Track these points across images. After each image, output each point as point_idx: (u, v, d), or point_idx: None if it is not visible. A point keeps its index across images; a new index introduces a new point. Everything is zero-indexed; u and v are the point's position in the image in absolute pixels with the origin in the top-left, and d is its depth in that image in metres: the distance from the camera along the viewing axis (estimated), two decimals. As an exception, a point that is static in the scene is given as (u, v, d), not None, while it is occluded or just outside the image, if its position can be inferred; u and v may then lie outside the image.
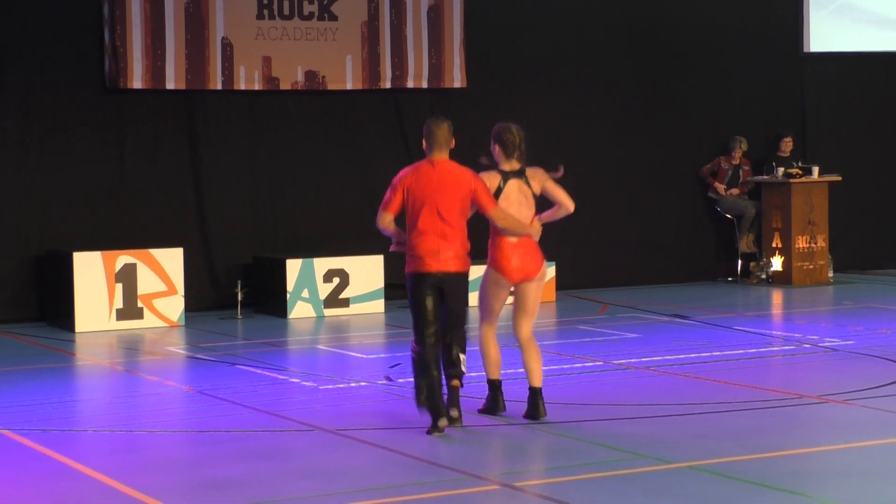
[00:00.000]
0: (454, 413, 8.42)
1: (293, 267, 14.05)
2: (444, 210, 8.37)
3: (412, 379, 8.45)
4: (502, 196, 8.61)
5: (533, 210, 8.70)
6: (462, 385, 8.54)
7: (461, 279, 8.47)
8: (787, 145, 16.92)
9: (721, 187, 16.65)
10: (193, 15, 14.29)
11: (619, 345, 11.88)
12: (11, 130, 13.89)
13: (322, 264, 14.16)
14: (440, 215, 8.37)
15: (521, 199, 8.65)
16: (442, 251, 8.39)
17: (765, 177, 16.67)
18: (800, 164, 16.66)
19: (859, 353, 11.22)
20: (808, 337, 12.17)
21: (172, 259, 13.61)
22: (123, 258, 13.41)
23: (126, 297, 13.37)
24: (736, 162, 16.71)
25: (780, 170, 16.46)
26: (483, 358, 8.79)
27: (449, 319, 8.46)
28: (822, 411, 8.97)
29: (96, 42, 14.14)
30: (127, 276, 13.38)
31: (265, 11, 14.66)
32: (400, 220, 8.64)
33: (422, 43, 15.25)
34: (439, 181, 8.41)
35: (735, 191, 16.68)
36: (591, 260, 16.43)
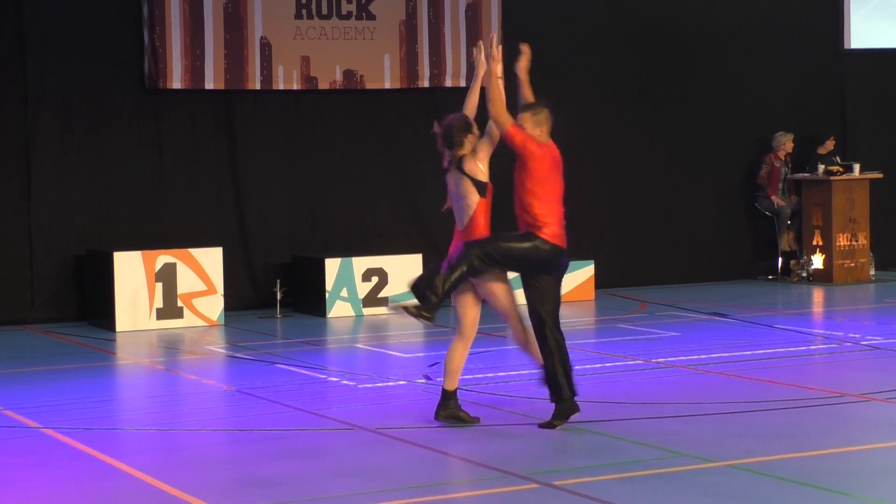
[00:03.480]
0: None
1: (332, 266, 14.08)
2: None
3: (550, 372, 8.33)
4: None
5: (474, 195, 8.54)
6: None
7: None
8: (830, 143, 16.78)
9: (778, 201, 16.47)
10: (232, 15, 14.35)
11: (658, 343, 11.83)
12: (52, 131, 13.99)
13: (361, 263, 14.18)
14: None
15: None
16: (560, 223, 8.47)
17: (805, 174, 16.57)
18: (839, 160, 16.55)
19: (901, 351, 11.15)
20: (850, 335, 12.08)
21: (212, 258, 13.66)
22: (163, 258, 13.48)
23: (166, 296, 13.43)
24: (783, 158, 16.58)
25: (822, 167, 16.35)
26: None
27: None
28: (864, 410, 8.90)
29: (135, 43, 14.22)
30: (167, 276, 13.44)
31: (303, 11, 14.70)
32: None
33: (460, 41, 15.25)
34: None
35: (782, 202, 16.51)
36: (629, 258, 16.37)
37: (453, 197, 8.60)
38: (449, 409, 8.54)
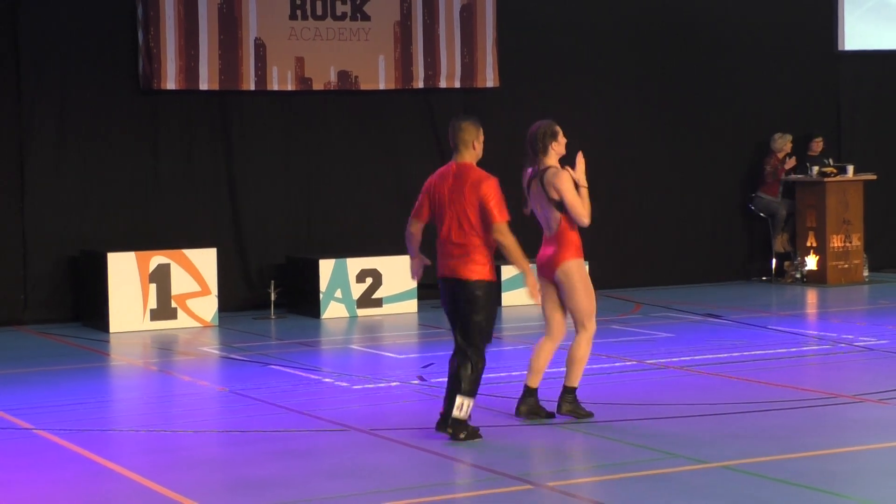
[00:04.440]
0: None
1: (326, 267, 14.08)
2: (462, 216, 8.18)
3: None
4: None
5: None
6: (451, 433, 8.11)
7: (470, 288, 8.18)
8: (817, 145, 16.82)
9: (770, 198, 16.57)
10: (227, 16, 14.34)
11: (652, 344, 11.84)
12: (46, 131, 13.98)
13: (355, 264, 14.17)
14: (458, 221, 8.20)
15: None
16: (452, 258, 8.22)
17: (799, 175, 16.59)
18: (832, 162, 16.56)
19: (895, 352, 11.14)
20: (844, 336, 12.09)
21: (206, 259, 13.65)
22: (157, 258, 13.47)
23: (160, 297, 13.42)
24: (783, 159, 16.59)
25: (815, 168, 16.37)
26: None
27: (460, 330, 8.23)
28: (858, 411, 8.91)
29: (130, 43, 14.21)
30: (161, 277, 13.43)
31: (298, 12, 14.69)
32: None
33: (454, 42, 15.25)
34: (454, 187, 8.24)
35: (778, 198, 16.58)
36: (624, 259, 16.38)
37: (537, 205, 8.62)
38: (528, 406, 8.61)
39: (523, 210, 8.82)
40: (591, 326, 8.68)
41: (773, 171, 16.58)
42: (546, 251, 8.61)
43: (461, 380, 8.11)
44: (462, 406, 8.10)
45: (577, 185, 8.52)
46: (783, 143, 16.60)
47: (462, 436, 8.08)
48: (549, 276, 8.62)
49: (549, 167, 8.58)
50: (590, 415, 8.66)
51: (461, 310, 8.19)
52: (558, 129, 8.67)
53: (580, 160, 8.57)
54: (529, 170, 8.69)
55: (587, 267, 8.85)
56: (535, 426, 8.49)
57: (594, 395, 9.29)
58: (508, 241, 8.11)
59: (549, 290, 8.67)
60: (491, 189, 8.11)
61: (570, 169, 8.59)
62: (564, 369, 8.67)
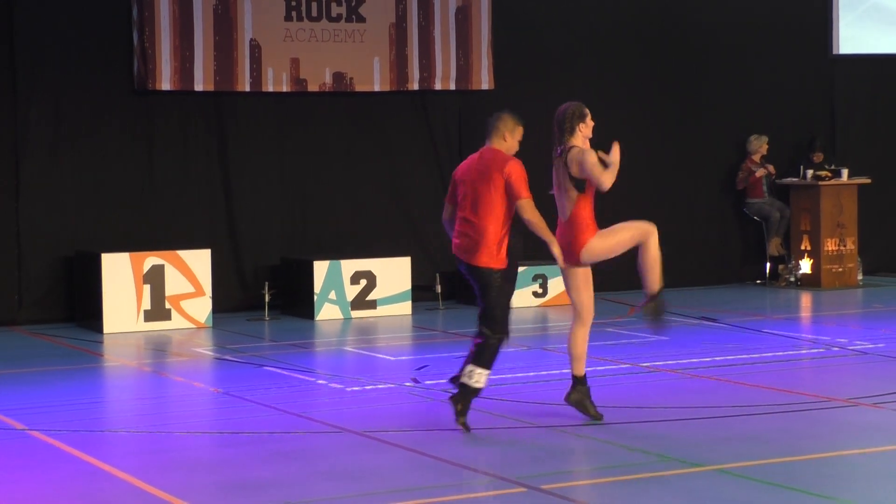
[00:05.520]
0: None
1: (321, 269, 14.07)
2: (482, 196, 8.32)
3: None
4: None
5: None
6: (459, 406, 8.32)
7: (479, 273, 8.38)
8: (817, 158, 16.82)
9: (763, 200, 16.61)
10: (222, 17, 14.34)
11: (647, 347, 11.84)
12: (41, 132, 13.96)
13: (349, 266, 14.17)
14: (476, 201, 8.33)
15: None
16: (465, 242, 8.37)
17: (793, 179, 16.60)
18: (831, 166, 16.58)
19: (889, 356, 11.16)
20: (837, 340, 12.10)
21: (200, 260, 13.64)
22: (151, 259, 13.45)
23: (154, 298, 13.41)
24: (759, 161, 16.59)
25: (810, 172, 16.39)
26: None
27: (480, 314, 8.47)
28: (852, 415, 8.92)
29: (125, 44, 14.20)
30: (155, 278, 13.42)
31: (293, 13, 14.69)
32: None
33: (449, 44, 15.25)
34: (478, 169, 8.39)
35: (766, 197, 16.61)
36: (617, 262, 16.30)
37: (557, 187, 8.59)
38: (579, 394, 8.64)
39: (550, 191, 8.78)
40: (651, 229, 8.64)
41: (745, 175, 16.59)
42: (563, 238, 8.55)
43: (478, 354, 8.31)
44: (472, 373, 8.27)
45: (604, 164, 8.46)
46: (759, 145, 16.61)
47: (461, 420, 8.27)
48: (571, 261, 8.59)
49: (574, 146, 8.56)
50: (666, 324, 8.83)
51: (475, 291, 8.44)
52: (587, 111, 8.67)
53: (616, 148, 8.51)
54: (558, 149, 8.65)
55: None
56: (529, 427, 8.49)
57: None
58: (533, 215, 8.30)
59: (572, 276, 8.64)
60: (515, 167, 8.34)
61: (602, 152, 8.54)
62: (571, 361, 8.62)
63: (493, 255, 8.37)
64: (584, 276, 8.67)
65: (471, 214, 8.38)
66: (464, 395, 8.34)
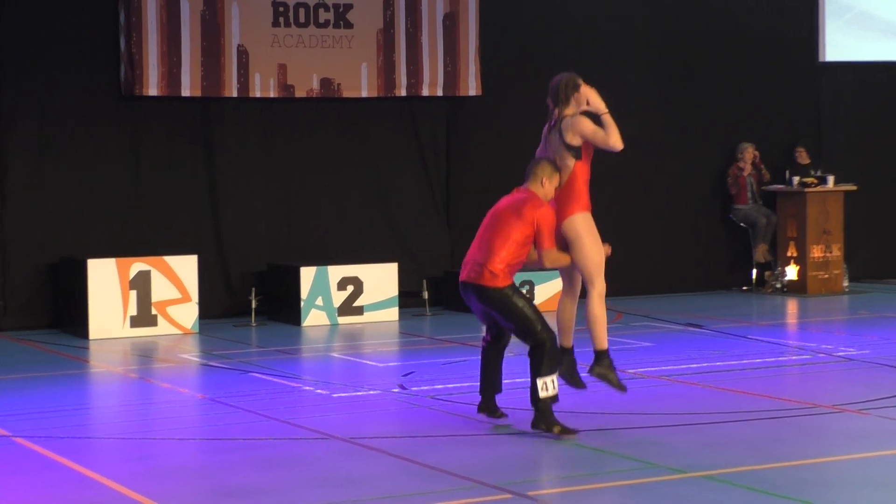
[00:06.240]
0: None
1: (307, 275, 14.06)
2: (503, 232, 8.34)
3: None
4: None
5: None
6: (543, 427, 8.33)
7: (489, 293, 8.40)
8: (800, 155, 16.89)
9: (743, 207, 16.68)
10: (209, 22, 14.33)
11: (633, 354, 11.86)
12: (27, 137, 13.94)
13: (336, 272, 14.16)
14: (494, 229, 8.37)
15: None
16: (473, 261, 8.42)
17: (780, 186, 16.65)
18: (818, 172, 16.63)
19: (874, 362, 11.19)
20: (823, 346, 12.13)
21: (187, 266, 13.63)
22: (138, 265, 13.43)
23: (140, 304, 13.39)
24: (744, 168, 16.64)
25: (796, 179, 16.43)
26: None
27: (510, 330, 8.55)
28: (837, 421, 8.94)
29: (112, 49, 14.19)
30: (141, 284, 13.40)
31: (281, 19, 14.69)
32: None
33: (437, 51, 15.26)
34: (505, 206, 8.42)
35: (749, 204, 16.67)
36: (606, 269, 16.36)
37: (552, 154, 8.61)
38: (566, 364, 8.74)
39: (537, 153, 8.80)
40: (601, 283, 8.61)
41: (733, 180, 16.65)
42: (555, 205, 8.54)
43: (536, 366, 8.29)
44: (546, 385, 8.26)
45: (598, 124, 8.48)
46: (744, 151, 16.67)
47: (556, 430, 8.25)
48: (556, 226, 8.58)
49: (566, 116, 8.56)
50: (623, 388, 8.72)
51: (495, 315, 8.47)
52: (581, 80, 8.68)
53: (587, 90, 8.57)
54: (552, 120, 8.66)
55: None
56: (515, 434, 8.49)
57: (574, 403, 9.29)
58: (555, 263, 8.48)
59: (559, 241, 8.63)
60: (549, 216, 8.35)
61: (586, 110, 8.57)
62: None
63: (500, 278, 8.36)
64: (566, 243, 8.62)
65: (491, 239, 8.37)
66: (543, 415, 8.29)
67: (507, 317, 8.39)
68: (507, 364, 8.89)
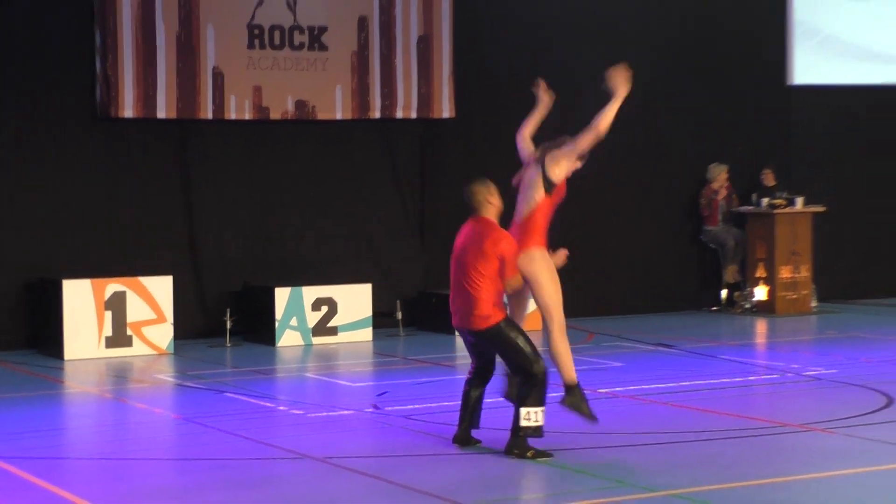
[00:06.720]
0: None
1: (282, 295, 14.12)
2: (472, 264, 8.39)
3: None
4: None
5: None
6: (517, 452, 8.39)
7: (482, 335, 8.49)
8: (767, 177, 17.07)
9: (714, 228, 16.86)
10: (185, 44, 14.40)
11: (604, 373, 11.95)
12: (2, 158, 13.96)
13: (311, 293, 14.23)
14: (468, 269, 8.41)
15: None
16: (463, 305, 8.47)
17: (749, 207, 16.80)
18: (785, 194, 16.79)
19: (842, 381, 11.30)
20: (792, 366, 12.25)
21: (162, 287, 13.66)
22: (113, 286, 13.47)
23: (115, 324, 13.42)
24: (718, 189, 16.80)
25: (765, 200, 16.59)
26: None
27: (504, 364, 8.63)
28: (805, 440, 9.05)
29: (88, 71, 14.23)
30: (116, 304, 13.43)
31: (256, 41, 14.77)
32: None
33: (411, 73, 15.37)
34: (467, 245, 8.47)
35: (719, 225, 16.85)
36: (576, 289, 16.45)
37: (523, 187, 8.69)
38: (575, 397, 8.79)
39: (512, 181, 8.87)
40: (559, 317, 8.64)
41: (707, 202, 16.81)
42: (514, 236, 8.60)
43: (524, 395, 8.37)
44: (529, 416, 8.33)
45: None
46: (718, 173, 16.83)
47: (529, 454, 8.31)
48: None
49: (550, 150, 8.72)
50: (594, 418, 8.77)
51: (490, 352, 8.61)
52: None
53: (620, 72, 9.22)
54: (542, 149, 8.80)
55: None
56: (487, 453, 8.56)
57: (545, 423, 9.37)
58: (515, 288, 8.58)
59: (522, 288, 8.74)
60: (511, 249, 8.40)
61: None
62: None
63: (492, 317, 8.41)
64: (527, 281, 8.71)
65: (464, 283, 8.43)
66: (518, 442, 8.36)
67: (503, 352, 8.48)
68: (455, 385, 8.93)
